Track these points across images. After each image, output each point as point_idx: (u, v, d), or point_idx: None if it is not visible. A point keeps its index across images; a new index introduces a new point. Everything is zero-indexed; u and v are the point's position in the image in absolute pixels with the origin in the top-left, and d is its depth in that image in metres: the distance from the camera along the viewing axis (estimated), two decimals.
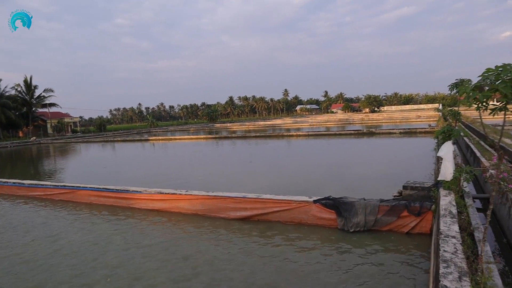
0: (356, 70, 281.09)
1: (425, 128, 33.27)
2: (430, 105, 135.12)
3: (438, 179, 7.40)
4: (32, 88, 75.45)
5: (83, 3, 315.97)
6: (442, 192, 6.96)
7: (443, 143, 16.28)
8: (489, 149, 14.10)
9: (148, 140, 46.34)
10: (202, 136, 43.72)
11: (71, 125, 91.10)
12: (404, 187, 9.08)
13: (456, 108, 11.58)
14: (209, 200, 9.17)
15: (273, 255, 6.75)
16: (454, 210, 5.76)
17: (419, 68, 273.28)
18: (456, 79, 11.85)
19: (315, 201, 7.90)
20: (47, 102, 78.19)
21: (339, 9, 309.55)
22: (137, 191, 10.51)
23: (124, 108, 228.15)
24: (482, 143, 17.14)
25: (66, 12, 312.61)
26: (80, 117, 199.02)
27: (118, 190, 10.96)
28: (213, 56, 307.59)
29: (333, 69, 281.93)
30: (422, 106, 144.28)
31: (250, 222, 8.58)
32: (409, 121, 54.18)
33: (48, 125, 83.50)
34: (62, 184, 12.72)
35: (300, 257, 6.64)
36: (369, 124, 54.93)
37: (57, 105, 79.88)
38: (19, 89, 75.07)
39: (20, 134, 78.11)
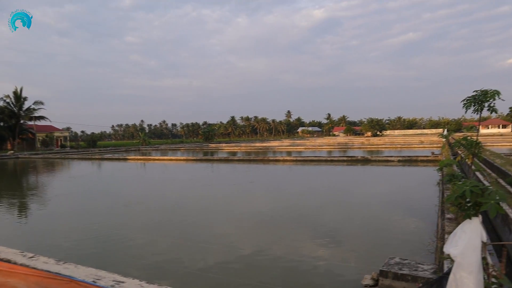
0: (360, 93, 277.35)
1: (428, 156, 29.38)
2: (434, 130, 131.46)
3: None
4: (22, 100, 72.87)
5: (95, 20, 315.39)
6: None
7: (449, 180, 12.30)
8: None
9: (126, 159, 42.68)
10: (181, 158, 40.02)
11: (61, 139, 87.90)
12: (383, 273, 5.22)
13: (472, 136, 7.78)
14: (47, 279, 5.36)
15: None
16: None
17: (424, 92, 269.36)
18: (475, 91, 8.21)
19: None
20: (36, 114, 75.34)
21: (346, 33, 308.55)
22: None
23: (126, 124, 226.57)
24: (502, 181, 13.27)
25: (78, 29, 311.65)
26: (82, 131, 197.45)
27: None
28: (219, 76, 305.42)
29: (337, 92, 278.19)
30: (425, 131, 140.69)
31: None
32: (412, 146, 50.23)
33: (37, 139, 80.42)
34: None
35: None
36: (368, 149, 51.04)
37: (46, 118, 76.91)
38: (7, 100, 72.44)
39: (8, 146, 75.00)
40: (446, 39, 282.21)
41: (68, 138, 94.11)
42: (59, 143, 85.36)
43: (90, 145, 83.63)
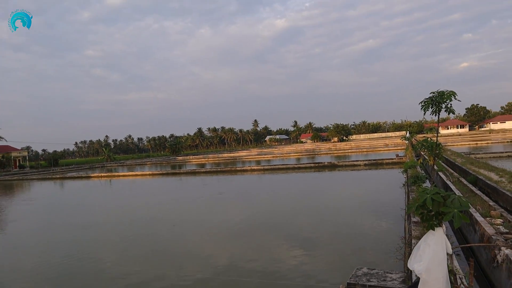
0: (325, 100, 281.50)
1: (392, 159, 29.96)
2: (397, 133, 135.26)
3: None
4: None
5: (53, 35, 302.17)
6: None
7: (413, 182, 12.38)
8: (477, 192, 10.36)
9: (90, 177, 41.11)
10: (147, 172, 38.95)
11: (19, 160, 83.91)
12: (350, 286, 4.99)
13: (431, 137, 7.80)
14: None
15: None
16: None
17: (386, 97, 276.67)
18: (432, 92, 8.27)
19: None
20: None
21: (308, 41, 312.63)
22: None
23: (90, 141, 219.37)
24: (463, 180, 13.52)
25: (34, 43, 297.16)
26: (43, 150, 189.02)
27: None
28: (184, 88, 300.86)
29: (302, 100, 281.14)
30: (389, 134, 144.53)
31: None
32: (377, 150, 51.29)
33: None
34: None
35: None
36: (335, 154, 51.65)
37: (2, 138, 73.63)
38: None
39: None
40: (404, 45, 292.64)
41: (27, 158, 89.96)
42: (17, 164, 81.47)
43: (52, 164, 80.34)
